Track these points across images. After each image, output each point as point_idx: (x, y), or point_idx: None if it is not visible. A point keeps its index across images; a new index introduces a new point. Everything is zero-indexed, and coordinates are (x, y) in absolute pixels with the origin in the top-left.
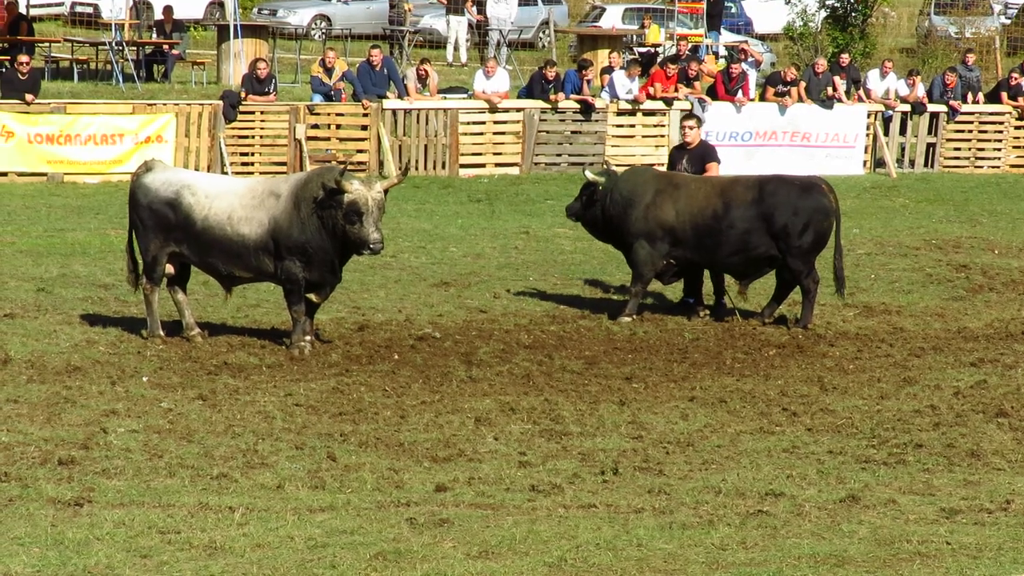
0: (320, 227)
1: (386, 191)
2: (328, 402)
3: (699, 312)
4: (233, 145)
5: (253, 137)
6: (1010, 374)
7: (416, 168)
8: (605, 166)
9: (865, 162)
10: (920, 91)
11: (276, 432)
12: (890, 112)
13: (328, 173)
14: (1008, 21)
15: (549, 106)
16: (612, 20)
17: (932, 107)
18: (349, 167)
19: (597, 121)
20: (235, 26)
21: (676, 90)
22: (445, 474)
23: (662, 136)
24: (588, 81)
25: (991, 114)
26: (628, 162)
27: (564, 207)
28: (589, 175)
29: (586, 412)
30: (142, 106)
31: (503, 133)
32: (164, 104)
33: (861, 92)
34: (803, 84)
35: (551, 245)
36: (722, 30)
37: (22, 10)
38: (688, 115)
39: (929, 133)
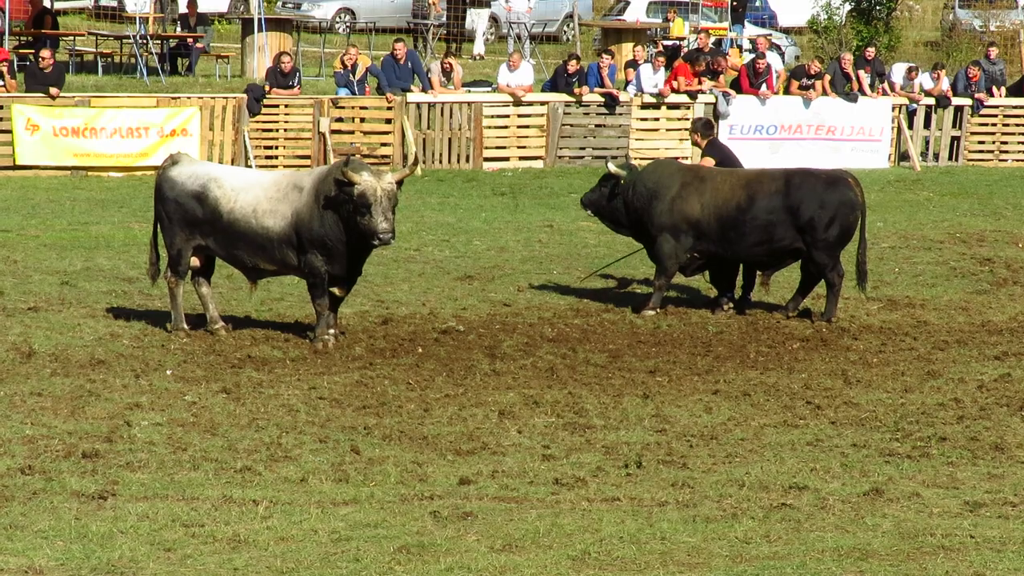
0: (337, 220)
1: (399, 182)
2: (352, 395)
3: (723, 306)
4: (257, 139)
5: (277, 131)
6: None
7: (440, 161)
8: (628, 159)
9: (890, 156)
10: (945, 84)
11: (300, 425)
12: (914, 105)
13: (340, 165)
14: None
15: (573, 99)
16: (636, 13)
17: (956, 100)
18: (373, 160)
19: (621, 114)
20: (259, 19)
21: (700, 83)
22: (469, 467)
23: (686, 129)
24: (603, 70)
25: (1015, 107)
26: (652, 155)
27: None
28: (611, 167)
29: (610, 405)
30: (166, 100)
31: (527, 126)
32: (188, 98)
33: (885, 85)
34: (828, 77)
35: (575, 239)
36: (746, 23)
37: (47, 4)
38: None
39: (953, 126)
